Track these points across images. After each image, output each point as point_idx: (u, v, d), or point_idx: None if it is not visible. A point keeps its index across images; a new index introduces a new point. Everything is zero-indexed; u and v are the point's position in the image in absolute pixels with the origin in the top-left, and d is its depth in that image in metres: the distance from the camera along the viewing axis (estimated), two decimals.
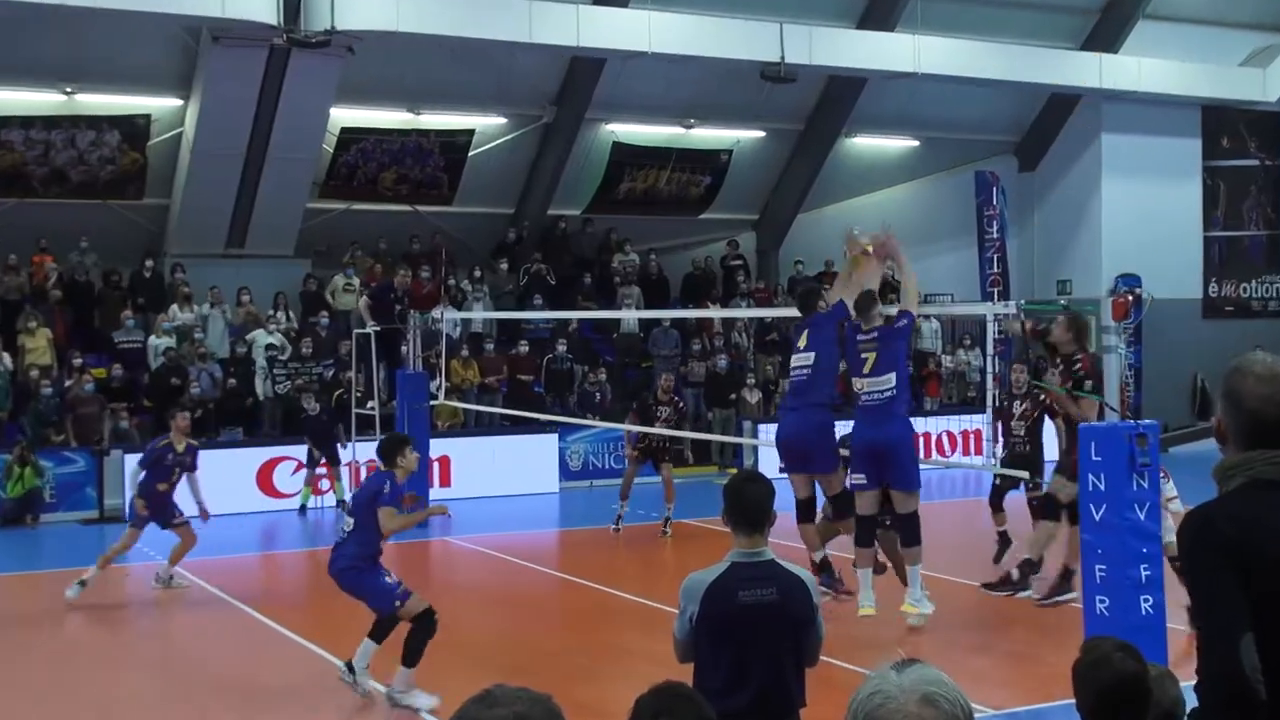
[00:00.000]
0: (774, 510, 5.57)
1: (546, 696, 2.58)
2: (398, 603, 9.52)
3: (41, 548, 18.09)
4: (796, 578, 5.53)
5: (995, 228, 28.86)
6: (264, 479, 20.60)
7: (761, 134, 28.16)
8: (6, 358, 21.04)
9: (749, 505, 5.52)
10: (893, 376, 10.56)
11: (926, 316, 26.90)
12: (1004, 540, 14.30)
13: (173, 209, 24.11)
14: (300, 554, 18.29)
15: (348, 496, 20.01)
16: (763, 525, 5.55)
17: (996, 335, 12.99)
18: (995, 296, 26.81)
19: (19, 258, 22.72)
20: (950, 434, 24.44)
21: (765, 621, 5.40)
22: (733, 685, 5.36)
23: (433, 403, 18.94)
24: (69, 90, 22.47)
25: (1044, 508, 12.36)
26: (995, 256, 28.83)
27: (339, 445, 20.40)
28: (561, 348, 24.28)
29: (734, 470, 17.33)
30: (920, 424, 20.07)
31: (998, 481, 14.09)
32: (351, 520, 9.60)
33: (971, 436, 23.42)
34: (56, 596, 13.51)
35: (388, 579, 9.59)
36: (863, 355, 10.71)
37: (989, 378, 12.78)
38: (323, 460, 20.39)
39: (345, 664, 9.75)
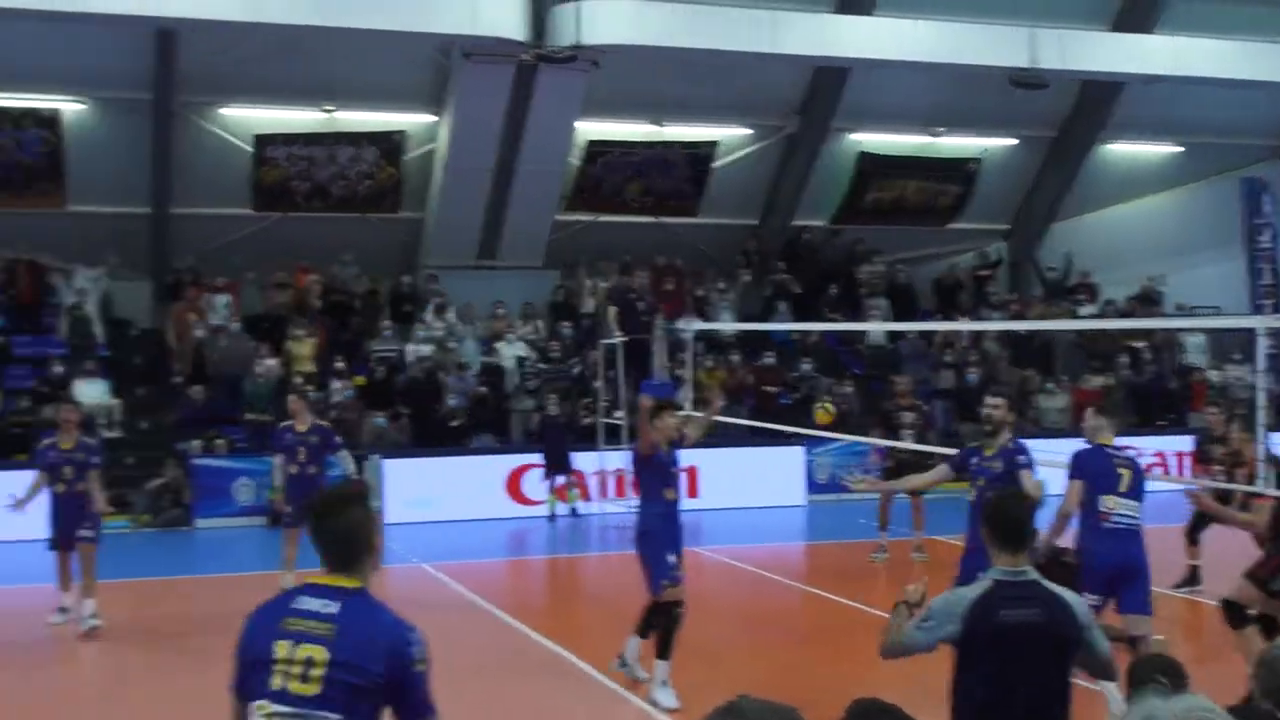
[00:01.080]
0: (1036, 528, 5.43)
1: (791, 710, 2.53)
2: (664, 583, 9.73)
3: (303, 548, 18.81)
4: (1061, 598, 5.39)
5: (1266, 236, 27.51)
6: (513, 486, 21.05)
7: (1012, 141, 27.52)
8: (276, 363, 22.05)
9: (1011, 523, 5.45)
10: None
11: (1191, 330, 25.92)
12: (1192, 575, 13.71)
13: (427, 222, 24.89)
14: (547, 560, 18.57)
15: (579, 505, 20.37)
16: (1025, 543, 5.46)
17: (1269, 350, 12.27)
18: (1269, 309, 25.51)
19: (285, 274, 23.81)
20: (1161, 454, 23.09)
21: (1030, 642, 5.27)
22: (997, 708, 5.27)
23: (683, 414, 18.99)
24: (329, 108, 23.40)
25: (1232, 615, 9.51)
26: (1266, 267, 27.47)
27: (570, 452, 20.65)
28: (807, 367, 24.16)
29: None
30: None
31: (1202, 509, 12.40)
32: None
33: (1179, 458, 22.17)
34: None
35: (670, 557, 9.78)
36: (1118, 471, 9.34)
37: (1260, 394, 12.05)
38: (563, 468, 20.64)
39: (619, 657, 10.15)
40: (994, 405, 9.76)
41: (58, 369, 21.11)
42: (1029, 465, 9.57)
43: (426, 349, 23.11)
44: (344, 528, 4.20)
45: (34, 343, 22.65)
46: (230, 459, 20.49)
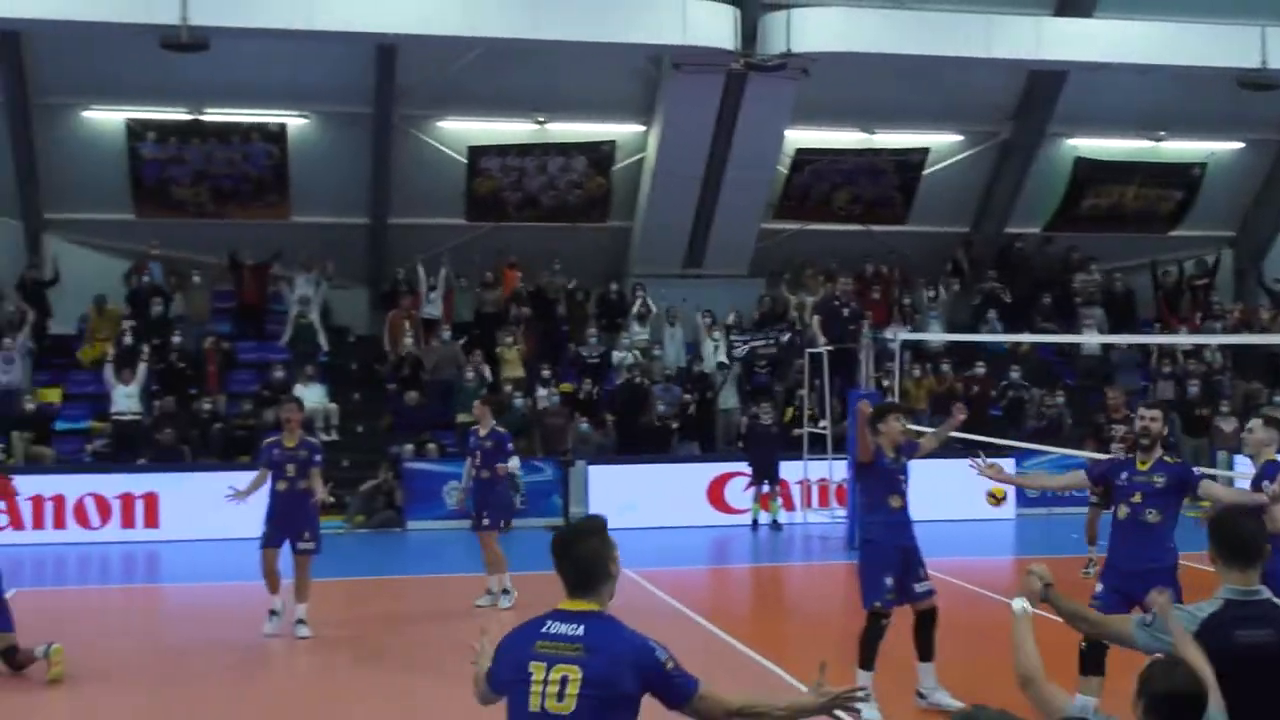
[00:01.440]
0: (1269, 545, 5.23)
1: None
2: (875, 603, 9.53)
3: (511, 552, 19.11)
4: None
5: None
6: (715, 494, 21.02)
7: (1239, 145, 26.43)
8: (487, 369, 22.47)
9: (1241, 540, 5.26)
10: None
11: None
12: None
13: (634, 231, 25.10)
14: (750, 569, 18.50)
15: (781, 516, 20.20)
16: (1256, 560, 5.25)
17: None
18: None
19: (493, 273, 24.27)
20: None
21: (1264, 665, 5.07)
22: None
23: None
24: (541, 120, 23.77)
25: None
26: None
27: (779, 461, 20.51)
28: (1015, 374, 23.59)
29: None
30: None
31: None
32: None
33: None
34: (525, 597, 14.20)
35: (887, 579, 9.55)
36: None
37: None
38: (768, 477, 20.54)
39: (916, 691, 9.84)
40: (1151, 417, 8.99)
41: (279, 374, 21.89)
42: (1201, 477, 9.01)
43: (632, 356, 23.31)
44: (585, 556, 4.62)
45: (258, 348, 23.53)
46: (441, 463, 20.96)
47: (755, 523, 20.43)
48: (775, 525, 20.33)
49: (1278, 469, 8.91)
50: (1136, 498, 8.84)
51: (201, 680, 11.13)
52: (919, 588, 9.69)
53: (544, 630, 4.52)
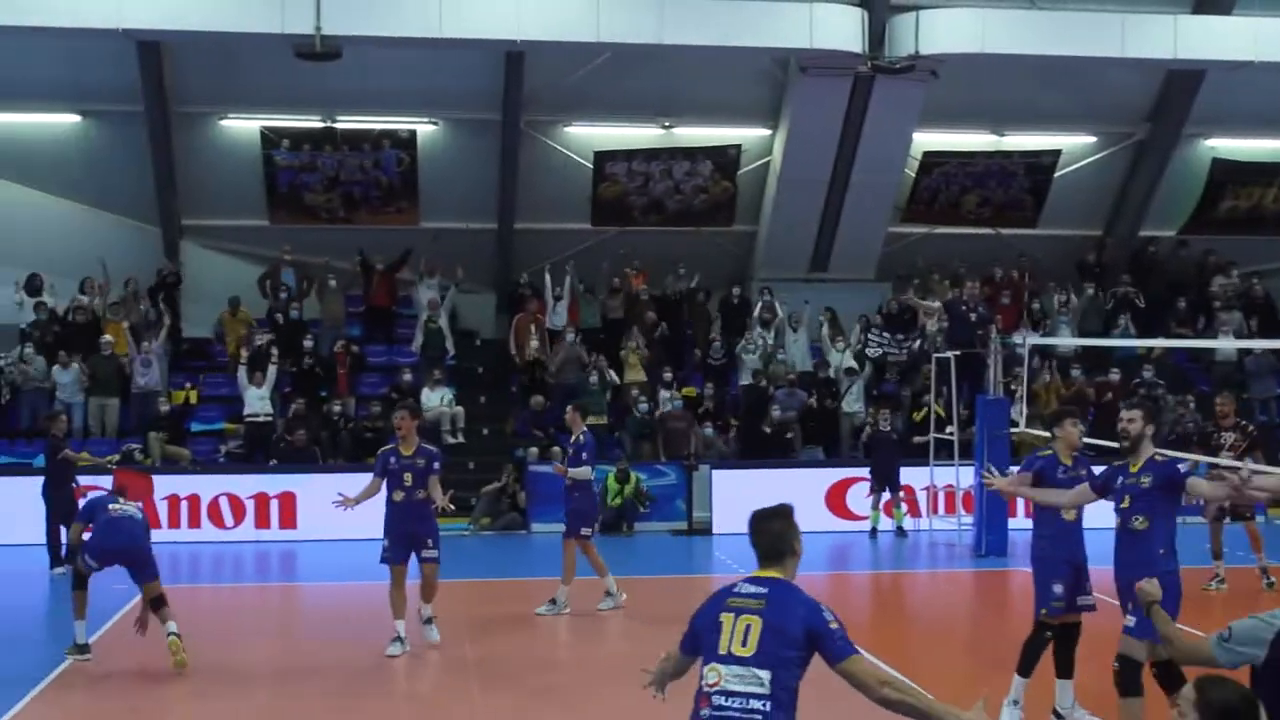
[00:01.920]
0: None
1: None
2: (1043, 610, 9.22)
3: (634, 555, 19.19)
4: None
5: None
6: (836, 499, 20.80)
7: None
8: (613, 374, 22.58)
9: None
10: None
11: None
12: None
13: (760, 235, 25.03)
14: (871, 575, 18.33)
15: (905, 523, 19.94)
16: None
17: None
18: None
19: (618, 278, 24.35)
20: None
21: None
22: None
23: (1013, 430, 18.46)
24: (667, 124, 23.85)
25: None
26: None
27: (900, 467, 20.28)
28: (1148, 373, 23.05)
29: None
30: None
31: None
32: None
33: None
34: (647, 600, 14.22)
35: (1056, 587, 9.22)
36: None
37: None
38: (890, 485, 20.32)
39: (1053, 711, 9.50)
40: (1129, 418, 8.53)
41: (407, 377, 22.19)
42: (1189, 474, 8.59)
43: (755, 360, 23.22)
44: (774, 533, 5.49)
45: (387, 351, 23.93)
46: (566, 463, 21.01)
47: (874, 530, 20.18)
48: (900, 532, 20.11)
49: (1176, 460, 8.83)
50: (1125, 503, 8.43)
51: (328, 680, 11.27)
52: (1080, 600, 9.36)
53: (735, 591, 5.37)
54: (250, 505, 20.03)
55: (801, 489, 19.99)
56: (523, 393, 22.63)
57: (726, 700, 5.12)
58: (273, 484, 20.17)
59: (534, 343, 22.97)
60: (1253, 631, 5.12)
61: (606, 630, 13.61)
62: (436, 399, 21.80)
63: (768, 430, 21.95)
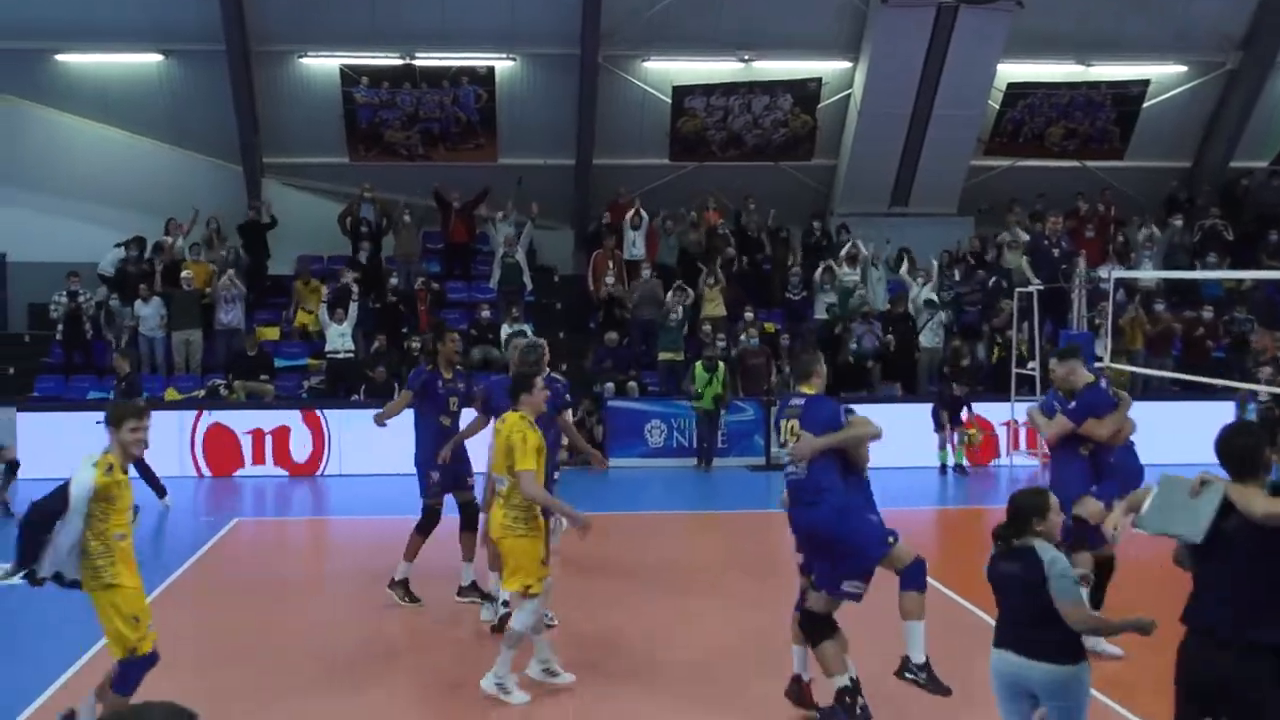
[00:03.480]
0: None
1: None
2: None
3: (714, 490, 19.20)
4: None
5: None
6: (911, 435, 20.15)
7: None
8: (687, 308, 22.38)
9: None
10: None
11: None
12: None
13: (839, 169, 24.78)
14: (942, 511, 18.16)
15: (966, 461, 19.68)
16: None
17: None
18: None
19: (697, 217, 24.18)
20: None
21: None
22: None
23: (1098, 365, 18.17)
24: (746, 58, 23.60)
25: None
26: None
27: (967, 404, 20.07)
28: (1239, 313, 22.60)
29: None
30: None
31: None
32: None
33: None
34: (727, 535, 14.19)
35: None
36: None
37: None
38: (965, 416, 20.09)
39: None
40: (1051, 368, 9.45)
41: (486, 313, 22.23)
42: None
43: (834, 296, 23.10)
44: (803, 362, 7.61)
45: (466, 288, 24.03)
46: (642, 401, 21.10)
47: (944, 466, 20.00)
48: (960, 469, 19.85)
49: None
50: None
51: (407, 610, 11.28)
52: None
53: (788, 403, 7.98)
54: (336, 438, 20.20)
55: (879, 424, 19.98)
56: (601, 328, 22.61)
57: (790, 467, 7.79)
58: (354, 420, 20.28)
59: (610, 278, 22.93)
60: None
61: (680, 567, 13.58)
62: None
63: (851, 363, 21.82)
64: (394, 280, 22.73)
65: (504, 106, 23.57)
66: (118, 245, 22.90)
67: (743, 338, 21.93)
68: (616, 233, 23.60)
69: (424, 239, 24.21)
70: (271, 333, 22.81)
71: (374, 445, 19.04)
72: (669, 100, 23.74)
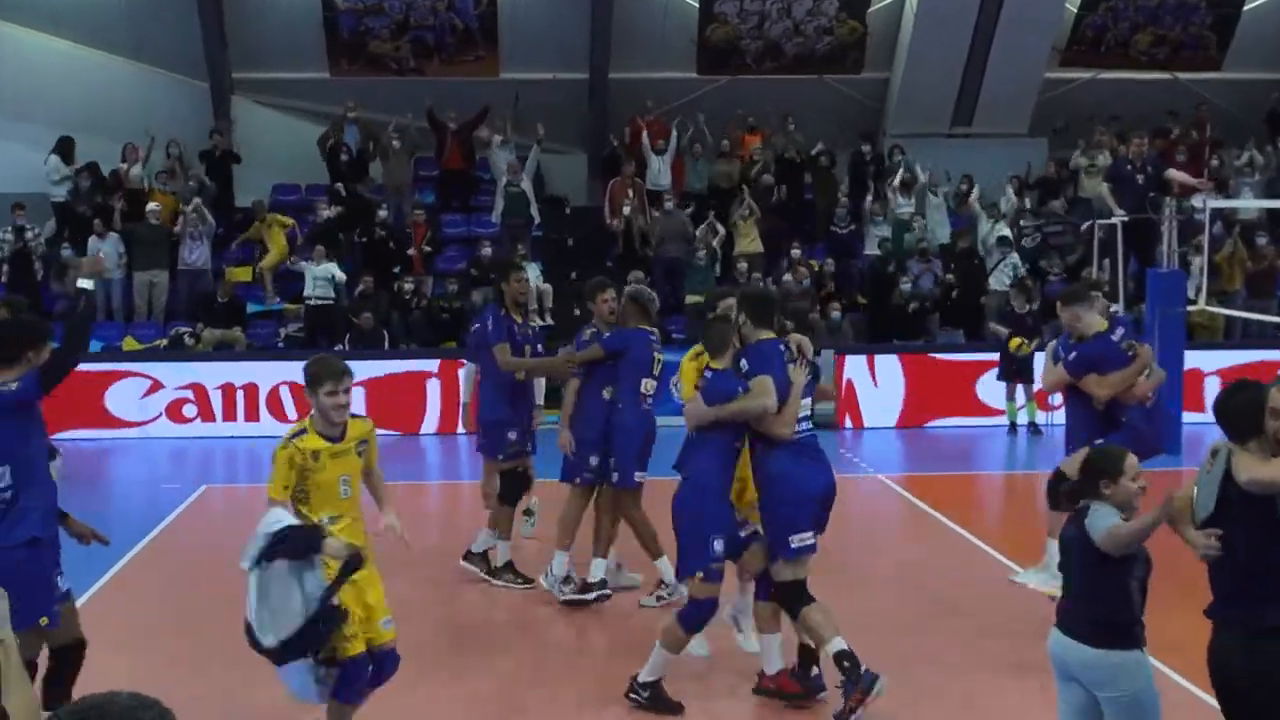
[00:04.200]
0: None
1: None
2: None
3: None
4: None
5: None
6: (976, 390, 20.41)
7: None
8: (716, 243, 22.31)
9: None
10: None
11: None
12: None
13: (893, 83, 24.66)
14: (1014, 475, 18.11)
15: (1039, 418, 19.46)
16: None
17: None
18: None
19: (729, 142, 24.05)
20: None
21: None
22: None
23: (1190, 308, 18.05)
24: None
25: None
26: None
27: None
28: None
29: None
30: None
31: None
32: None
33: None
34: None
35: None
36: None
37: None
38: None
39: None
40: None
41: (487, 250, 22.13)
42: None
43: (887, 230, 22.97)
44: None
45: (464, 222, 23.98)
46: (668, 351, 20.87)
47: (1013, 424, 19.76)
48: (1033, 429, 19.62)
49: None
50: None
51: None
52: None
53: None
54: None
55: (938, 377, 19.95)
56: (619, 267, 22.48)
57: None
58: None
59: (627, 209, 22.84)
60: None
61: None
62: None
63: (909, 308, 21.79)
64: (382, 213, 22.63)
65: (507, 12, 23.48)
66: (63, 178, 22.86)
67: (786, 278, 21.82)
68: (637, 158, 23.49)
69: (416, 166, 24.12)
70: (242, 274, 22.80)
71: (360, 401, 19.12)
72: (696, 4, 23.64)
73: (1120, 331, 9.96)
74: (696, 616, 8.08)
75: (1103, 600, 5.70)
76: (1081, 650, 5.73)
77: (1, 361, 6.81)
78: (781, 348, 8.18)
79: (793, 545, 7.97)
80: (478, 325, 11.45)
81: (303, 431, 6.93)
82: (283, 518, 6.69)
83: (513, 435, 11.09)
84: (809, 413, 8.18)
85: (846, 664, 7.85)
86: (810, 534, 8.03)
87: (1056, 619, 5.92)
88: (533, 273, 21.68)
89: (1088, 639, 5.72)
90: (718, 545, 7.98)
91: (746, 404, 7.89)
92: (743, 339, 8.21)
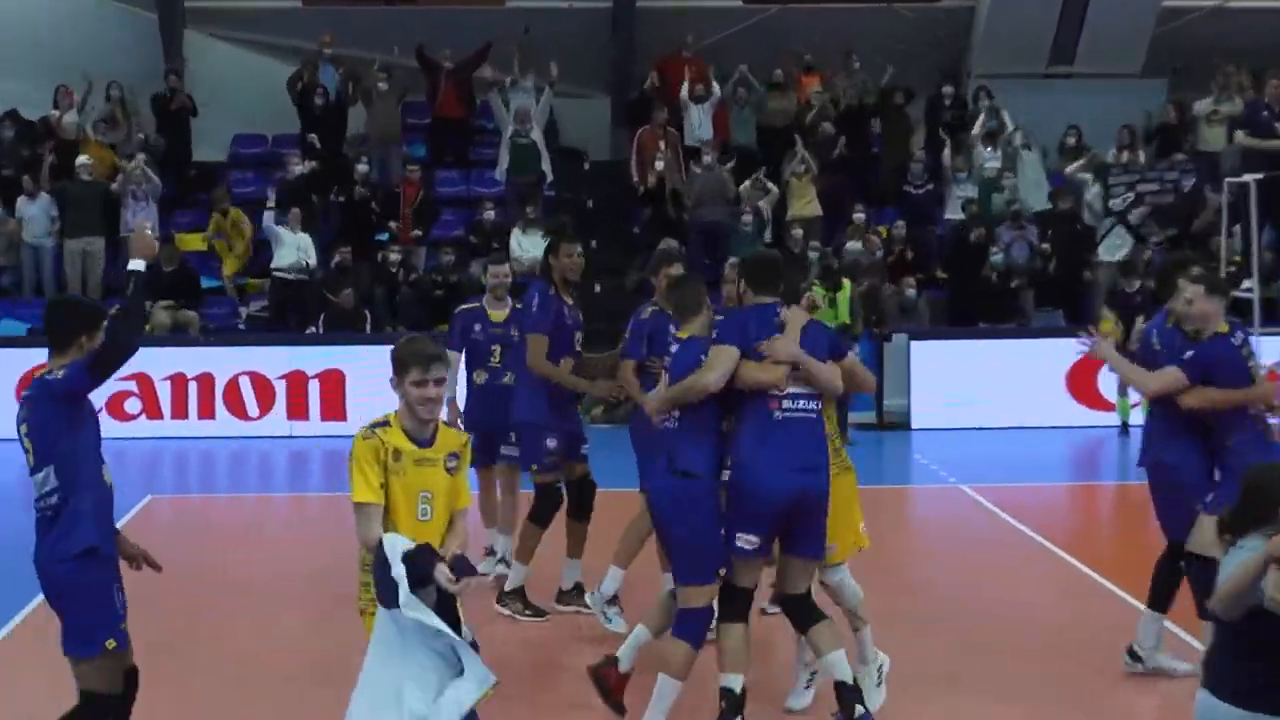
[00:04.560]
0: None
1: None
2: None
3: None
4: None
5: None
6: (1082, 383, 20.32)
7: None
8: (766, 204, 22.20)
9: None
10: None
11: None
12: None
13: (979, 12, 24.75)
14: (1114, 488, 18.07)
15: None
16: None
17: None
18: None
19: (782, 73, 23.99)
20: None
21: None
22: None
23: None
24: None
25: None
26: None
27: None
28: None
29: None
30: None
31: None
32: None
33: None
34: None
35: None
36: None
37: None
38: None
39: None
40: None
41: (490, 214, 22.11)
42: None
43: (972, 189, 22.92)
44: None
45: (462, 180, 24.03)
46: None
47: (1125, 425, 19.50)
48: (1124, 429, 19.41)
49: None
50: None
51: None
52: None
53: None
54: (280, 388, 20.18)
55: (1034, 366, 19.91)
56: (648, 233, 22.39)
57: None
58: (310, 359, 20.28)
59: (659, 163, 22.74)
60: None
61: None
62: (530, 244, 21.55)
63: (997, 284, 21.73)
64: (363, 167, 22.60)
65: None
66: None
67: (849, 246, 21.67)
68: (670, 103, 23.40)
69: (404, 113, 24.15)
70: (195, 241, 22.73)
71: (336, 397, 19.08)
72: None
73: (1240, 336, 9.51)
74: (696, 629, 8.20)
75: (1250, 658, 5.60)
76: (1230, 713, 5.63)
77: (54, 348, 6.99)
78: (778, 315, 8.10)
79: (738, 543, 8.03)
80: (519, 305, 11.47)
81: (386, 423, 6.65)
82: (397, 543, 6.38)
83: (552, 443, 10.91)
84: (802, 391, 8.05)
85: (725, 705, 8.03)
86: (755, 537, 8.03)
87: (1203, 677, 5.84)
88: (537, 242, 21.63)
89: (1230, 696, 5.63)
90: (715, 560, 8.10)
91: (690, 383, 7.97)
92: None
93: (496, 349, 11.78)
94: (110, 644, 6.86)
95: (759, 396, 7.96)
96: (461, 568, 6.29)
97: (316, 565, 12.75)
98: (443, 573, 6.22)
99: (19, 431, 6.92)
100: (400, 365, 6.62)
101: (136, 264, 7.05)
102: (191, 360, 20.20)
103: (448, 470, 6.68)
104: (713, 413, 8.09)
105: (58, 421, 6.90)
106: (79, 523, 6.85)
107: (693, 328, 8.40)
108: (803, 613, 8.26)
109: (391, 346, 6.79)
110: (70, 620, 6.75)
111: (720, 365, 7.89)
